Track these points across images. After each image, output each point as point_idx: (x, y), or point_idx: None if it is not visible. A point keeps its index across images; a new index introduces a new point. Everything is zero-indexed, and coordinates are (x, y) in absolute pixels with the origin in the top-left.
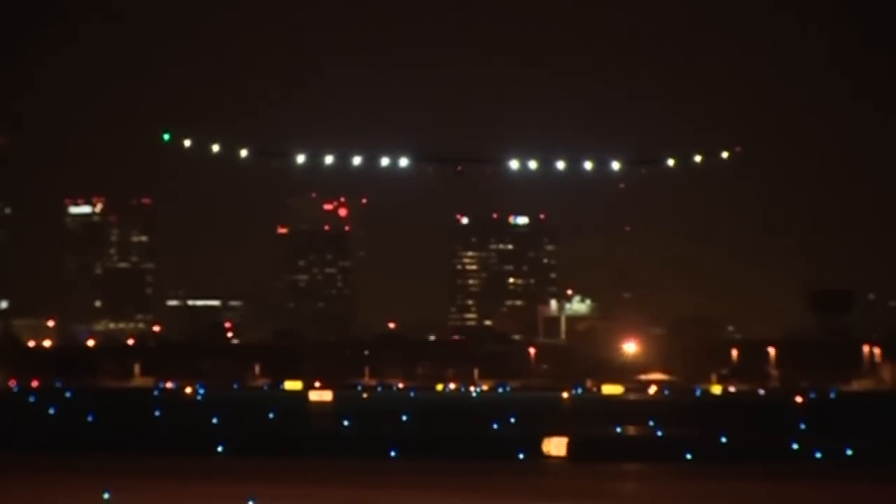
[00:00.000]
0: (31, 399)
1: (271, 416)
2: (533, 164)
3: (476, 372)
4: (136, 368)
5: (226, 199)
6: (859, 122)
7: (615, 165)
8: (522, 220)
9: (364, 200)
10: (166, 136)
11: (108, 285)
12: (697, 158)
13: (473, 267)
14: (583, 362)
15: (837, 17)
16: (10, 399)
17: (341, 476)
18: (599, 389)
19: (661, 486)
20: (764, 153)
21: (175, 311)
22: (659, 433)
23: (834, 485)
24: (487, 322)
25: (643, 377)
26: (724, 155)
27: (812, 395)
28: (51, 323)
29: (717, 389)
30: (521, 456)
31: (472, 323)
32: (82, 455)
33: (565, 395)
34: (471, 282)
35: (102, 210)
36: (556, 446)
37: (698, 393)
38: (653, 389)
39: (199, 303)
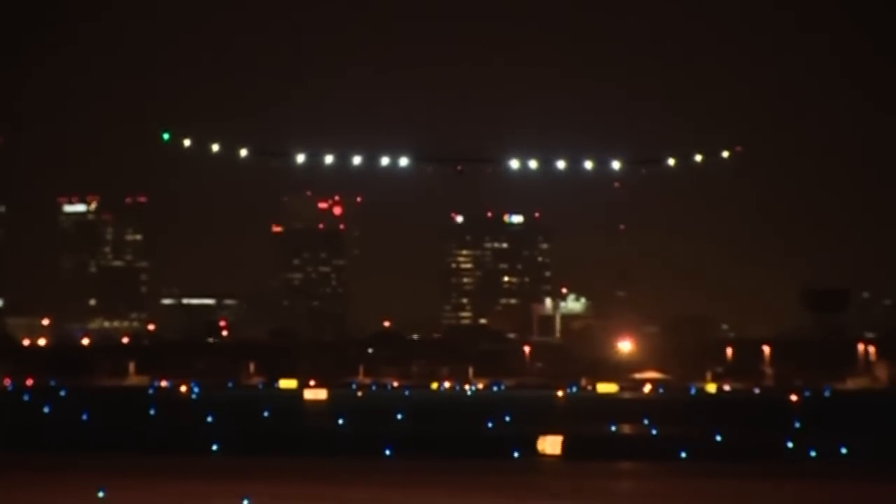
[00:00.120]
0: (26, 398)
1: (266, 414)
2: (533, 164)
3: (471, 370)
4: (131, 367)
5: (220, 198)
6: (859, 122)
7: (615, 165)
8: (517, 218)
9: (359, 199)
10: (166, 136)
11: (103, 284)
12: (698, 158)
13: (468, 265)
14: (577, 361)
15: (837, 17)
16: (4, 398)
17: (336, 475)
18: (594, 388)
19: (656, 485)
20: (762, 153)
21: (170, 309)
22: (654, 432)
23: (829, 483)
24: (482, 320)
25: (638, 376)
26: (725, 154)
27: (807, 394)
28: (45, 321)
29: (711, 388)
30: (515, 454)
31: (466, 321)
32: (77, 454)
33: (560, 393)
34: (465, 280)
35: (97, 208)
36: (550, 445)
37: (693, 391)
38: (647, 388)
39: (194, 301)
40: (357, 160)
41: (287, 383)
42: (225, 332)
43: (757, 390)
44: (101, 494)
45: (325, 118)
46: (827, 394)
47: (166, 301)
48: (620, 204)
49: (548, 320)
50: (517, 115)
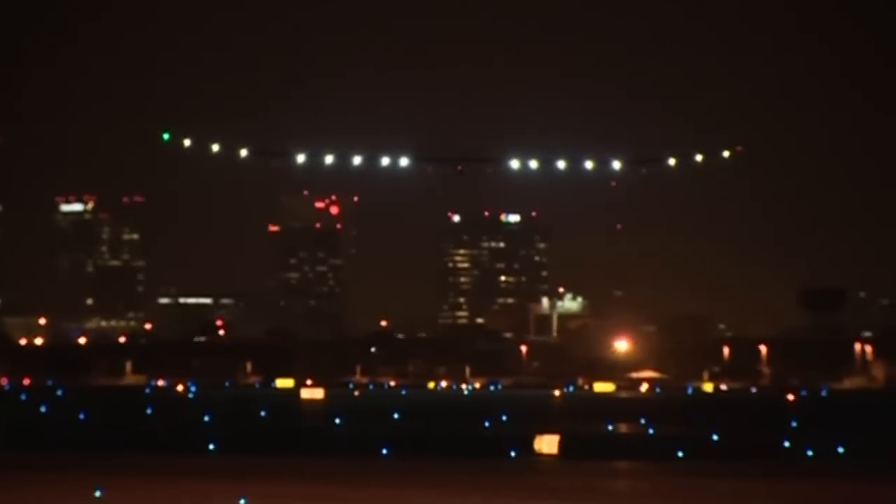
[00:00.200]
0: (23, 397)
1: (263, 414)
2: (534, 164)
3: (468, 370)
4: (128, 366)
5: (217, 197)
6: (858, 122)
7: (616, 165)
8: (514, 218)
9: (355, 198)
10: (166, 136)
11: (100, 283)
12: (699, 158)
13: (465, 265)
14: (574, 360)
15: (837, 17)
16: (1, 397)
17: (333, 474)
18: (591, 387)
19: (653, 484)
20: (762, 153)
21: (166, 308)
22: (650, 431)
23: (825, 483)
24: (479, 320)
25: (635, 375)
26: (726, 154)
27: (804, 393)
28: (42, 321)
29: (708, 387)
30: (512, 454)
31: (463, 321)
32: (74, 453)
33: (557, 392)
34: (462, 280)
35: (94, 208)
36: (547, 444)
37: (690, 391)
38: (644, 387)
39: (191, 300)
40: (357, 160)
41: (284, 383)
42: (222, 332)
43: (754, 390)
44: (98, 494)
45: (325, 118)
46: (824, 393)
47: (163, 300)
48: (617, 203)
49: (545, 320)
50: (517, 116)
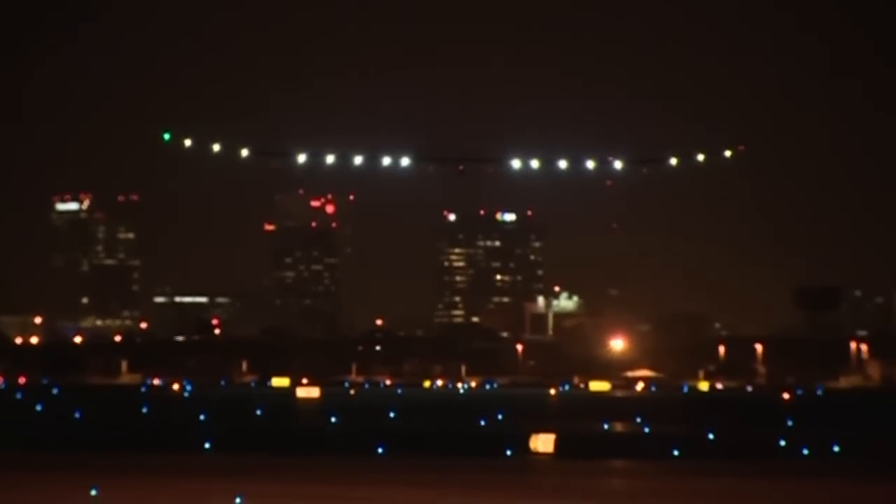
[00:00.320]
0: (19, 396)
1: (259, 412)
2: (535, 164)
3: (463, 368)
4: (124, 365)
5: (213, 196)
6: (858, 122)
7: (617, 164)
8: (510, 216)
9: (351, 197)
10: (166, 136)
11: (95, 282)
12: (700, 157)
13: (461, 264)
14: (570, 359)
15: (837, 17)
16: None
17: (329, 473)
18: (586, 386)
19: (649, 483)
20: (760, 153)
21: (162, 307)
22: (646, 430)
23: (821, 482)
24: (475, 319)
25: (630, 374)
26: (728, 154)
27: (799, 392)
28: (38, 320)
29: (704, 386)
30: (508, 452)
31: (459, 320)
32: (69, 452)
33: (552, 391)
34: (458, 278)
35: (89, 207)
36: (543, 443)
37: (685, 390)
38: (640, 386)
39: (186, 299)
40: (358, 160)
41: (279, 381)
42: (217, 331)
43: (749, 388)
44: (93, 493)
45: (325, 118)
46: (819, 392)
47: (159, 299)
48: (613, 203)
49: (540, 319)
50: (517, 116)
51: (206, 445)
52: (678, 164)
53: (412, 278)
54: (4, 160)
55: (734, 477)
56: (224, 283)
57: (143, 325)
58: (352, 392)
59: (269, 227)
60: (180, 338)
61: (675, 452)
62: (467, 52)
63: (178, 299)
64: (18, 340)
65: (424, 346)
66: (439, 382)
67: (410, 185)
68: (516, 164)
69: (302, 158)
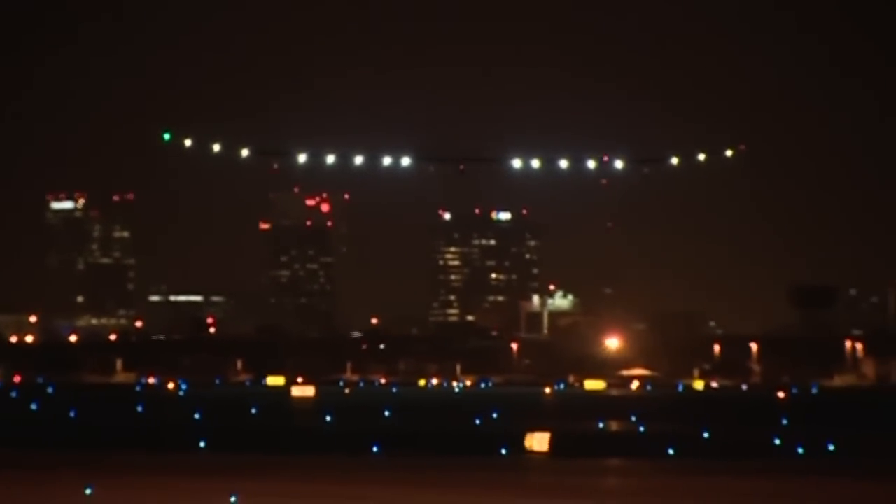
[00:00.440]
0: (14, 395)
1: (253, 411)
2: (535, 164)
3: (458, 367)
4: (118, 364)
5: (208, 195)
6: (858, 122)
7: (618, 164)
8: (505, 215)
9: (346, 196)
10: (166, 136)
11: (91, 281)
12: (701, 157)
13: (456, 262)
14: (565, 358)
15: (837, 17)
16: None
17: (323, 471)
18: (582, 385)
19: (644, 482)
20: (760, 152)
21: (157, 306)
22: (641, 429)
23: (816, 480)
24: (470, 318)
25: (625, 373)
26: (729, 153)
27: (794, 391)
28: (33, 318)
29: (699, 385)
30: (503, 451)
31: (454, 318)
32: (64, 451)
33: (547, 390)
34: (453, 277)
35: (84, 205)
36: (538, 442)
37: (680, 388)
38: (635, 385)
39: (181, 298)
40: (359, 160)
41: (274, 380)
42: (212, 330)
43: (744, 387)
44: (88, 492)
45: (325, 118)
46: (814, 391)
47: (154, 298)
48: (609, 202)
49: (535, 317)
50: (517, 116)
51: (201, 444)
52: (679, 163)
53: (407, 277)
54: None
55: (729, 475)
56: (219, 281)
57: (139, 324)
58: (347, 391)
59: (265, 226)
60: (174, 337)
61: (670, 451)
62: (467, 52)
63: (173, 298)
64: (14, 339)
65: (419, 345)
66: (434, 381)
67: (406, 184)
68: (517, 163)
69: (302, 158)
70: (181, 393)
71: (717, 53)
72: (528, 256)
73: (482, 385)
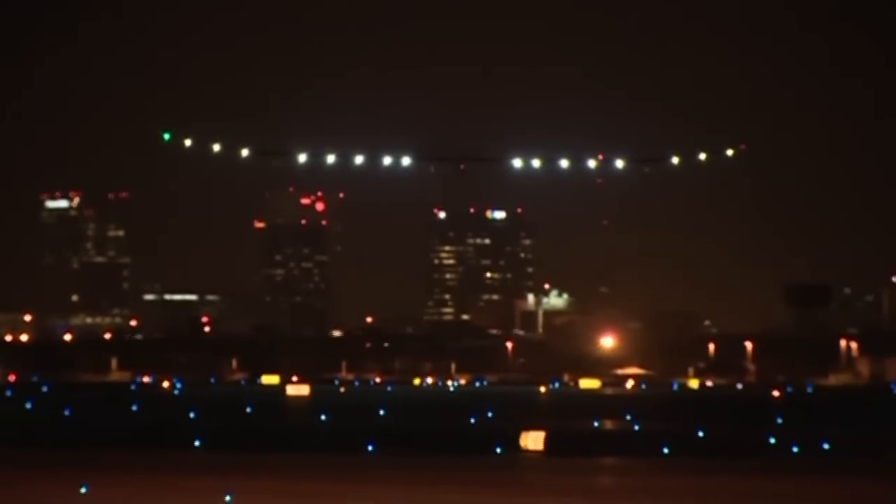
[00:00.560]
0: (8, 393)
1: (248, 410)
2: (528, 163)
3: (453, 366)
4: (113, 363)
5: (203, 194)
6: (858, 122)
7: (619, 163)
8: (500, 214)
9: (341, 195)
10: (166, 136)
11: (85, 280)
12: (702, 156)
13: (450, 261)
14: (560, 357)
15: (837, 16)
16: None
17: (318, 470)
18: (577, 384)
19: (639, 481)
20: (759, 152)
21: (152, 305)
22: (636, 427)
23: (811, 479)
24: (465, 316)
25: (620, 371)
26: (730, 153)
27: (789, 390)
28: (28, 317)
29: (694, 384)
30: (498, 450)
31: (449, 317)
32: (59, 450)
33: (542, 389)
34: (448, 276)
35: (79, 204)
36: (533, 440)
37: (675, 387)
38: (630, 384)
39: (176, 297)
40: (359, 160)
41: (269, 379)
42: (207, 328)
43: (739, 386)
44: (83, 490)
45: (325, 118)
46: (809, 389)
47: (148, 297)
48: (604, 200)
49: (530, 316)
50: (517, 115)
51: (196, 443)
52: (679, 163)
53: (402, 276)
54: None
55: (724, 474)
56: (214, 280)
57: (133, 323)
58: (341, 390)
59: (259, 225)
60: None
61: (665, 450)
62: (467, 52)
63: (168, 297)
64: (8, 338)
65: (414, 344)
66: (429, 380)
67: (403, 184)
68: (517, 163)
69: (302, 158)
70: (176, 392)
71: (717, 53)
72: (522, 255)
73: (477, 384)
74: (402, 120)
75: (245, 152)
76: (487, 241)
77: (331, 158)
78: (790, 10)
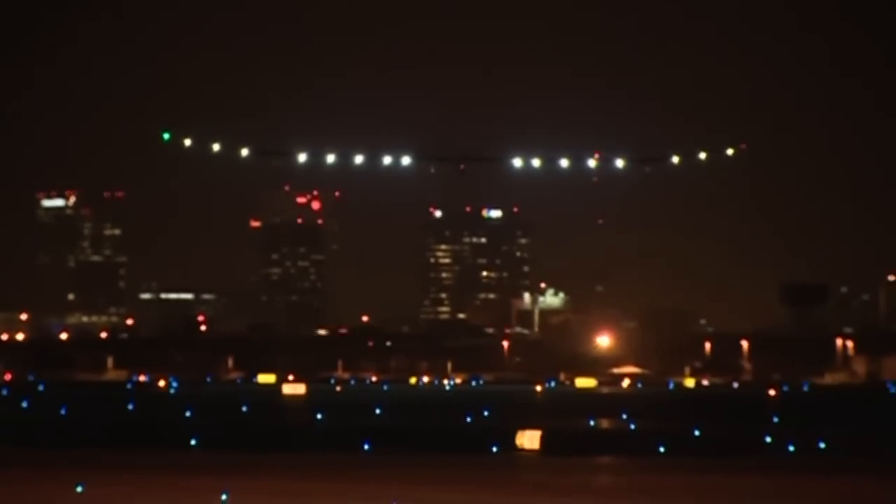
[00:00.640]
0: (4, 392)
1: (245, 409)
2: (536, 163)
3: (449, 365)
4: (110, 362)
5: (199, 193)
6: (858, 122)
7: (619, 163)
8: (496, 213)
9: (337, 194)
10: (166, 136)
11: (81, 278)
12: (702, 156)
13: (447, 260)
14: (556, 356)
15: (837, 16)
16: None
17: (315, 469)
18: (573, 383)
19: (635, 480)
20: (759, 152)
21: (148, 304)
22: (632, 426)
23: (807, 478)
24: (461, 315)
25: (616, 370)
26: (730, 152)
27: (785, 389)
28: (24, 316)
29: (690, 383)
30: (494, 449)
31: (445, 316)
32: (55, 448)
33: (538, 388)
34: (444, 275)
35: (75, 203)
36: (529, 439)
37: (671, 386)
38: (626, 383)
39: (172, 296)
40: (359, 159)
41: (265, 378)
42: (203, 327)
43: (735, 385)
44: (79, 489)
45: (325, 118)
46: (805, 388)
47: (145, 296)
48: (600, 199)
49: (526, 315)
50: (517, 115)
51: (193, 442)
52: (680, 162)
53: (398, 275)
54: None
55: (720, 473)
56: (210, 279)
57: (130, 322)
58: (338, 388)
59: (255, 224)
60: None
61: (661, 449)
62: (467, 52)
63: (164, 296)
64: (4, 337)
65: (410, 343)
66: (425, 379)
67: (402, 183)
68: (517, 163)
69: (302, 158)
70: (172, 390)
71: (717, 53)
72: (518, 254)
73: (473, 383)
74: (402, 120)
75: (245, 152)
76: (483, 240)
77: (330, 158)
78: (790, 10)
